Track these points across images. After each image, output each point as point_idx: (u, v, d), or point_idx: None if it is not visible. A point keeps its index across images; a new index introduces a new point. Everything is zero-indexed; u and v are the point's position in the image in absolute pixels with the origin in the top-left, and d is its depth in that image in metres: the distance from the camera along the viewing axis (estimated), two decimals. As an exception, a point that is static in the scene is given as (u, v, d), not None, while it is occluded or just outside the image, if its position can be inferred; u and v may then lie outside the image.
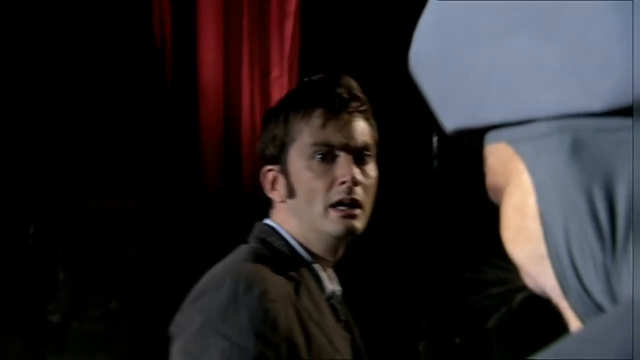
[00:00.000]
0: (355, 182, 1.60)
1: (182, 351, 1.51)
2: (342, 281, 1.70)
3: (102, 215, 4.01)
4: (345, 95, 1.65)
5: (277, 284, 1.55)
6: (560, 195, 0.61)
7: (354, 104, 1.66)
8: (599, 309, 0.60)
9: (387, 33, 4.10)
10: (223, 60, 4.14)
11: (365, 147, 1.66)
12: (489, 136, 0.65)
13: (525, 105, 0.61)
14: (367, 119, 1.68)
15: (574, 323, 0.62)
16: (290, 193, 1.65)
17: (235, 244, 1.65)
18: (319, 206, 1.61)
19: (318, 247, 1.65)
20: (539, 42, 0.60)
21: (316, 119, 1.63)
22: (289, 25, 4.14)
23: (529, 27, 0.61)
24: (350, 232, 1.62)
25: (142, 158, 4.09)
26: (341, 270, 1.70)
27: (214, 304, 1.50)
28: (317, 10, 4.30)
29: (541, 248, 0.62)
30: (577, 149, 0.61)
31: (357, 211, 1.61)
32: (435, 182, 4.21)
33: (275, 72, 4.16)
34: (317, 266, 1.65)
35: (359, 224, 1.62)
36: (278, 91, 4.03)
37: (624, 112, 0.58)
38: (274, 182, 1.67)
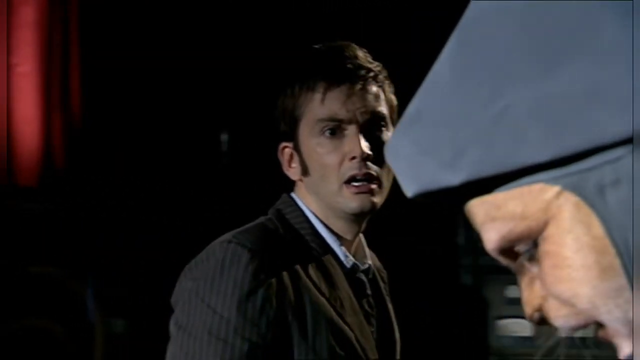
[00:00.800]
0: (366, 157, 1.54)
1: (174, 323, 1.50)
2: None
3: None
4: (348, 65, 1.58)
5: (274, 255, 1.51)
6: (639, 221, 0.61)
7: (359, 73, 1.58)
8: None
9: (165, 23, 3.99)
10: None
11: (377, 117, 1.58)
12: (504, 183, 0.64)
13: (590, 134, 0.60)
14: (379, 86, 1.61)
15: (624, 352, 0.64)
16: (305, 171, 1.60)
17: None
18: (333, 183, 1.56)
19: (336, 224, 1.60)
20: (595, 68, 0.59)
21: (319, 94, 1.58)
22: (29, 12, 3.80)
23: (581, 55, 0.60)
24: (366, 208, 1.56)
25: None
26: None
27: (203, 274, 1.49)
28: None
29: (620, 280, 0.62)
30: None
31: (373, 186, 1.56)
32: (224, 180, 4.08)
33: (20, 63, 3.79)
34: (332, 239, 1.60)
35: (376, 199, 1.57)
36: (26, 84, 3.76)
37: None
38: (290, 159, 1.63)
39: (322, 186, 1.58)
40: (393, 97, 1.64)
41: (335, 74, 1.58)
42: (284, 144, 1.65)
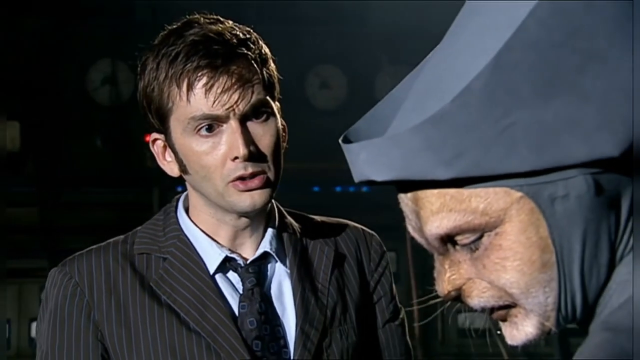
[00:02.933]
0: (249, 156, 1.38)
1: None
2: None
3: None
4: (215, 47, 1.38)
5: (101, 277, 1.44)
6: (579, 229, 0.78)
7: (231, 57, 1.38)
8: (585, 316, 0.82)
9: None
10: None
11: (258, 105, 1.40)
12: (475, 182, 0.78)
13: (559, 155, 0.76)
14: (256, 67, 1.40)
15: (526, 330, 0.82)
16: (183, 169, 1.44)
17: None
18: (217, 184, 1.40)
19: (223, 218, 1.46)
20: (574, 106, 0.75)
21: (185, 89, 1.38)
22: None
23: (568, 93, 0.76)
24: (258, 205, 1.41)
25: None
26: None
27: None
28: None
29: (552, 272, 0.79)
30: (597, 188, 0.77)
31: (262, 181, 1.40)
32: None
33: None
34: (204, 239, 1.46)
35: (267, 193, 1.42)
36: None
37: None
38: (163, 152, 1.47)
39: (206, 186, 1.42)
40: (273, 72, 1.44)
41: (200, 62, 1.37)
42: (154, 135, 1.47)
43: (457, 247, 0.83)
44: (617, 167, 0.78)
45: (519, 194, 0.78)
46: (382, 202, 4.68)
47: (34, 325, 4.25)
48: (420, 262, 4.32)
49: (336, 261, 1.55)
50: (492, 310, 0.84)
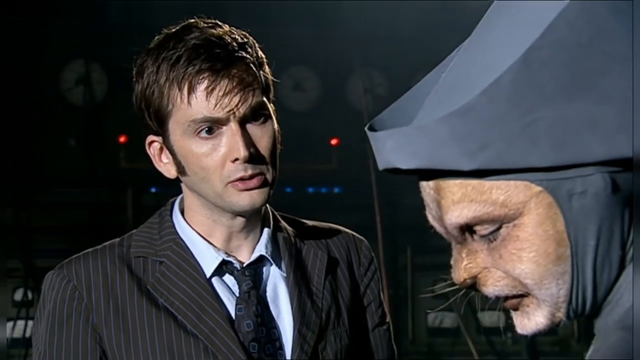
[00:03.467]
0: (249, 157, 1.40)
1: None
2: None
3: None
4: (216, 51, 1.39)
5: (99, 281, 1.44)
6: (594, 225, 0.81)
7: (230, 61, 1.40)
8: (594, 310, 0.85)
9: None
10: None
11: (257, 108, 1.42)
12: (499, 174, 0.81)
13: (579, 152, 0.78)
14: (254, 70, 1.42)
15: (537, 319, 0.85)
16: (182, 171, 1.45)
17: None
18: (216, 185, 1.42)
19: (220, 220, 1.47)
20: (595, 104, 0.78)
21: (186, 91, 1.39)
22: None
23: (590, 92, 0.78)
24: (257, 204, 1.43)
25: None
26: None
27: (36, 312, 1.51)
28: None
29: (566, 265, 0.82)
30: (613, 186, 0.80)
31: (260, 180, 1.42)
32: None
33: None
34: (200, 242, 1.48)
35: (265, 192, 1.44)
36: None
37: None
38: (160, 154, 1.48)
39: (204, 187, 1.44)
40: (269, 75, 1.47)
41: (202, 65, 1.39)
42: (151, 137, 1.48)
43: (475, 237, 0.86)
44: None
45: (539, 188, 0.81)
46: (353, 203, 4.72)
47: (9, 325, 4.24)
48: (391, 261, 4.37)
49: (329, 265, 1.58)
50: (506, 298, 0.87)
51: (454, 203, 0.84)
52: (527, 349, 4.18)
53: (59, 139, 4.38)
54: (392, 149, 0.83)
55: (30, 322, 4.16)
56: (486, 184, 0.82)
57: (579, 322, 4.19)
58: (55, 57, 4.40)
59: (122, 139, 4.27)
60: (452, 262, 0.89)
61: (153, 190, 4.14)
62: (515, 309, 0.88)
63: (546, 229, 0.82)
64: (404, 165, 0.83)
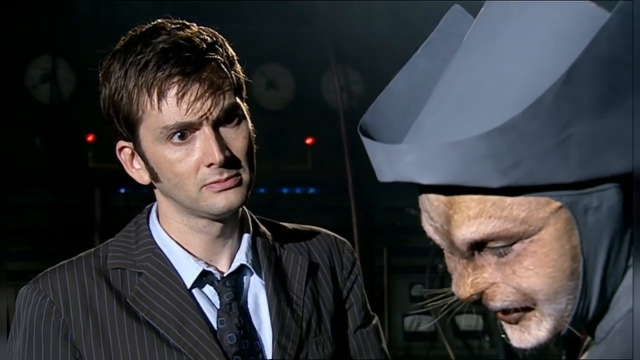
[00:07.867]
0: (224, 162, 1.37)
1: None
2: None
3: None
4: (185, 55, 1.35)
5: (76, 295, 1.39)
6: (606, 239, 0.80)
7: (200, 63, 1.35)
8: (592, 319, 0.85)
9: None
10: None
11: (230, 109, 1.39)
12: (519, 191, 0.78)
13: (602, 167, 0.78)
14: (226, 71, 1.38)
15: (539, 334, 0.84)
16: (154, 177, 1.42)
17: None
18: (191, 190, 1.39)
19: (196, 225, 1.44)
20: (619, 120, 0.77)
21: (156, 97, 1.35)
22: None
23: (615, 108, 0.77)
24: (234, 205, 1.40)
25: None
26: None
27: (11, 328, 1.46)
28: None
29: (578, 281, 0.81)
30: (625, 199, 0.79)
31: (236, 181, 1.39)
32: None
33: None
34: (179, 251, 1.43)
35: (242, 193, 1.40)
36: None
37: None
38: (131, 160, 1.45)
39: (179, 193, 1.40)
40: (241, 74, 1.44)
41: (171, 70, 1.35)
42: (122, 142, 1.45)
43: (483, 252, 0.83)
44: None
45: (558, 203, 0.80)
46: (328, 203, 4.66)
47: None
48: (368, 263, 4.31)
49: (310, 271, 1.54)
50: (505, 311, 0.85)
51: (469, 219, 0.81)
52: (505, 353, 4.16)
53: (24, 138, 4.27)
54: (412, 163, 0.79)
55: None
56: (507, 200, 0.79)
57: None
58: (20, 53, 4.28)
59: (90, 138, 4.18)
60: (454, 277, 0.85)
61: (122, 190, 4.09)
62: (515, 323, 0.85)
63: (563, 244, 0.80)
64: (426, 180, 0.79)
